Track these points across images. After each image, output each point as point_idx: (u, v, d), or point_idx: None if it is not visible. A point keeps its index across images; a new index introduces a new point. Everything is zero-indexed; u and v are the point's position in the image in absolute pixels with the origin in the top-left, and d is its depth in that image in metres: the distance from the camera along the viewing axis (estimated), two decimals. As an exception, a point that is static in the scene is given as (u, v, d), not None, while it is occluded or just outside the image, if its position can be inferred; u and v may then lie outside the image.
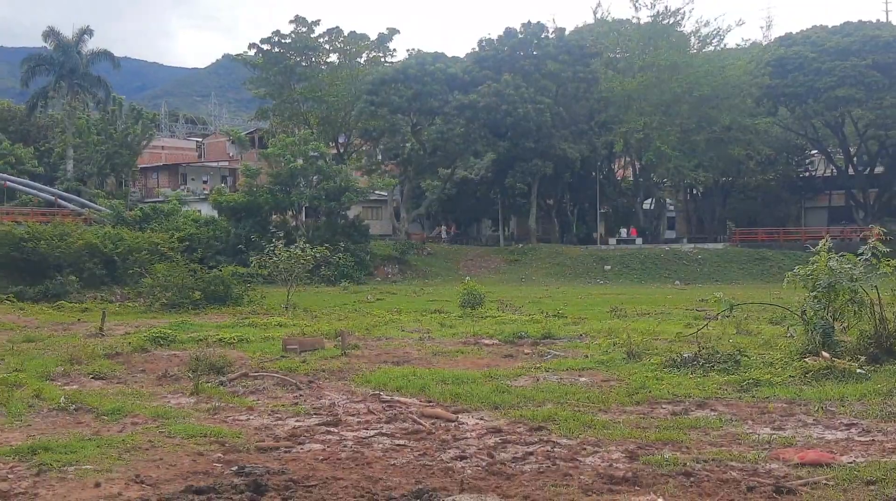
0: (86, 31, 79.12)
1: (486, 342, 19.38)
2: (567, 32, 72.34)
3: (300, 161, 56.28)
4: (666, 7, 69.51)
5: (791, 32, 77.07)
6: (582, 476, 8.10)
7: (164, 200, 64.99)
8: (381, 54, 77.81)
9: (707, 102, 66.31)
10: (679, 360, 14.49)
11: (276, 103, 77.37)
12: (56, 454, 8.90)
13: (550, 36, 70.74)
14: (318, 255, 32.75)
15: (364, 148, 77.79)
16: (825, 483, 7.68)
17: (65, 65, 77.55)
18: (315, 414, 11.40)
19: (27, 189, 65.61)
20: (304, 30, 74.50)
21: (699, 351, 14.64)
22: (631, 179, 79.00)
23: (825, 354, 13.68)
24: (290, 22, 74.68)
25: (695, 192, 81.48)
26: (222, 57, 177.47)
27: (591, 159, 71.53)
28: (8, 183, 64.91)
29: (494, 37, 72.14)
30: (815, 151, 79.19)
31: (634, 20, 71.92)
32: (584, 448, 9.30)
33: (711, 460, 8.63)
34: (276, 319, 24.87)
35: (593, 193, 73.18)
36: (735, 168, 71.45)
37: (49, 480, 8.08)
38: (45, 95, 79.72)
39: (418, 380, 13.52)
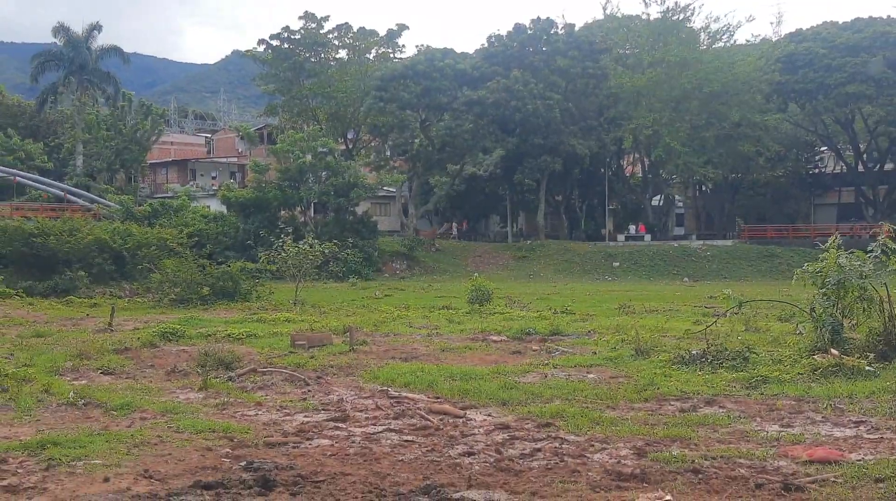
0: (95, 27, 79.16)
1: (494, 338, 19.38)
2: (577, 28, 72.23)
3: (309, 157, 56.28)
4: (676, 3, 69.21)
5: (801, 28, 76.85)
6: (590, 473, 8.10)
7: (173, 195, 65.09)
8: (389, 50, 77.80)
9: (717, 98, 66.15)
10: (687, 357, 14.48)
11: (285, 99, 77.40)
12: (65, 448, 8.93)
13: (560, 32, 70.62)
14: (326, 251, 32.83)
15: (373, 144, 77.81)
16: (834, 481, 7.67)
17: (74, 61, 77.62)
18: (323, 410, 11.42)
19: (37, 185, 65.75)
20: (313, 26, 74.53)
21: (708, 348, 14.62)
22: (640, 175, 78.81)
23: (834, 351, 13.65)
24: (300, 18, 74.84)
25: (704, 188, 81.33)
26: (232, 53, 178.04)
27: (600, 156, 71.39)
28: (18, 179, 65.04)
29: (503, 33, 72.04)
30: (825, 148, 78.93)
31: (644, 16, 71.86)
32: (592, 445, 9.29)
33: (720, 457, 8.62)
34: (285, 314, 24.92)
35: (602, 189, 73.09)
36: (744, 165, 71.20)
37: (58, 474, 8.10)
38: (54, 91, 79.79)
39: (426, 376, 13.53)
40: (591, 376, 13.89)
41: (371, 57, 77.16)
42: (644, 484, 7.72)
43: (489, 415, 10.98)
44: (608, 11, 75.82)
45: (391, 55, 77.35)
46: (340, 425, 10.48)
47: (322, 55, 76.14)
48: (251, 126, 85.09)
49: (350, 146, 76.55)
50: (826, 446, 9.08)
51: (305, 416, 11.02)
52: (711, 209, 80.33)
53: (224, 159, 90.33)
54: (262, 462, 8.47)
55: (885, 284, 14.59)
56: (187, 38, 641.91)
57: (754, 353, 14.69)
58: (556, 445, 9.30)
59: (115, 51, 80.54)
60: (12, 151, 73.84)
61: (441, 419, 10.66)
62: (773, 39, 73.77)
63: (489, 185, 69.59)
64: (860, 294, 14.59)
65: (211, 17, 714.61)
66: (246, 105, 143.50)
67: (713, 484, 7.66)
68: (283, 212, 57.05)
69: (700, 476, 7.93)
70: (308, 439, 9.74)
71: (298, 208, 58.63)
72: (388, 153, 73.66)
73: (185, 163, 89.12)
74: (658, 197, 78.24)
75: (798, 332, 16.40)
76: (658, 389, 12.40)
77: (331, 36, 75.90)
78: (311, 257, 32.27)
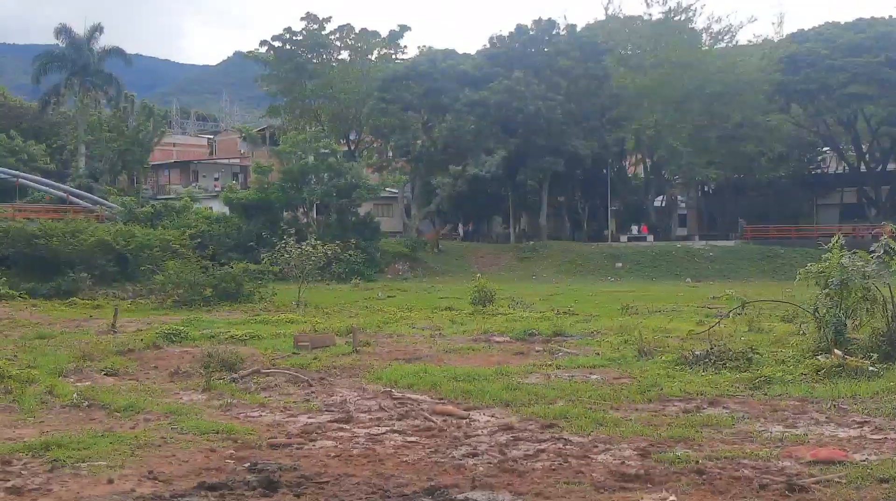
0: (97, 29, 79.10)
1: (498, 339, 19.39)
2: (578, 29, 72.17)
3: (311, 158, 56.24)
4: (678, 3, 69.15)
5: (803, 29, 76.98)
6: (594, 474, 8.11)
7: (175, 197, 65.02)
8: (392, 51, 77.74)
9: (719, 98, 66.14)
10: (691, 358, 14.49)
11: (288, 101, 77.40)
12: (69, 450, 8.95)
13: (562, 32, 70.59)
14: (328, 252, 32.80)
15: (375, 145, 77.79)
16: (838, 481, 7.68)
17: (77, 62, 77.60)
18: (327, 411, 11.44)
19: (39, 186, 65.69)
20: (315, 27, 74.53)
21: (711, 349, 14.63)
22: (642, 176, 78.82)
23: (837, 351, 13.66)
24: (302, 19, 74.71)
25: (706, 189, 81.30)
26: (234, 54, 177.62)
27: (603, 156, 71.28)
28: (20, 180, 64.98)
29: (506, 33, 71.98)
30: (827, 148, 78.98)
31: (646, 16, 71.78)
32: (596, 446, 9.31)
33: (723, 457, 8.63)
34: (288, 316, 24.93)
35: (604, 190, 73.02)
36: (747, 165, 71.18)
37: (62, 476, 8.12)
38: (57, 93, 79.72)
39: (429, 377, 13.55)
40: (594, 377, 13.91)
41: (373, 58, 77.11)
42: (648, 485, 7.74)
43: (493, 416, 11.00)
44: (610, 12, 75.86)
45: (393, 56, 77.32)
46: (344, 426, 10.49)
47: (324, 56, 76.12)
48: (253, 127, 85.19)
49: (352, 147, 76.53)
50: (830, 446, 9.09)
51: (309, 417, 11.04)
52: (714, 210, 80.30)
53: (226, 161, 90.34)
54: (265, 463, 8.49)
55: (888, 284, 14.62)
56: (189, 39, 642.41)
57: (757, 354, 14.71)
58: (560, 446, 9.32)
59: (118, 52, 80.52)
60: (15, 153, 73.84)
61: (444, 421, 10.68)
62: (775, 40, 73.65)
63: (491, 186, 69.49)
64: (863, 294, 14.61)
65: (213, 18, 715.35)
66: (248, 106, 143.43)
67: (717, 485, 7.67)
68: (285, 213, 57.01)
69: (704, 476, 7.94)
70: (312, 440, 9.75)
71: (301, 209, 58.61)
72: (391, 154, 73.64)
73: (188, 164, 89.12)
74: (660, 198, 78.26)
75: (801, 332, 16.40)
76: (661, 390, 12.41)
77: (333, 37, 75.86)
78: (313, 259, 32.26)
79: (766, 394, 12.00)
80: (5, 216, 45.00)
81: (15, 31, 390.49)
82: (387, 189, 70.41)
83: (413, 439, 9.78)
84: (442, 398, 12.18)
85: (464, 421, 10.67)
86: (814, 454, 8.68)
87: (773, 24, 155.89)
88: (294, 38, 74.33)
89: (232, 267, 32.49)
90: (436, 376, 13.65)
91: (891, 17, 77.22)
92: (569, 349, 17.54)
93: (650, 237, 70.62)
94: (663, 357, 15.10)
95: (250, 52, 79.31)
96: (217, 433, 9.94)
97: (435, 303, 31.11)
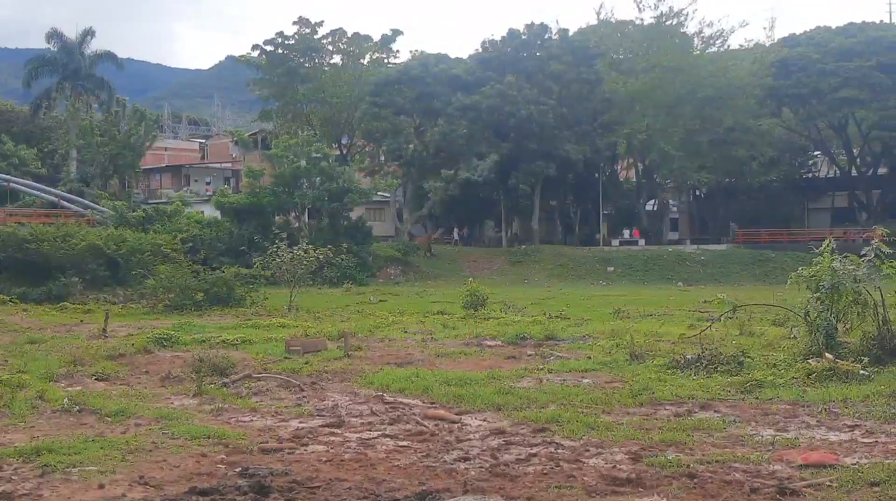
0: (89, 33, 79.14)
1: (489, 343, 19.39)
2: (570, 33, 72.21)
3: (303, 162, 56.26)
4: (670, 8, 69.42)
5: (794, 33, 77.14)
6: (585, 478, 8.12)
7: (167, 201, 65.02)
8: (384, 55, 77.85)
9: (710, 103, 66.29)
10: (682, 361, 14.51)
11: (280, 105, 77.41)
12: (59, 455, 8.93)
13: (554, 37, 70.67)
14: (320, 256, 32.80)
15: (367, 149, 77.75)
16: (829, 485, 7.69)
17: (68, 66, 77.57)
18: (318, 416, 11.43)
19: (30, 191, 65.59)
20: (307, 31, 74.60)
21: (702, 353, 14.64)
22: (634, 180, 78.94)
23: (828, 355, 13.69)
24: (294, 23, 74.88)
25: (698, 193, 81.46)
26: (225, 59, 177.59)
27: (594, 161, 71.35)
28: (11, 184, 64.89)
29: (498, 38, 72.09)
30: (819, 153, 79.14)
31: (638, 21, 71.94)
32: (588, 450, 9.31)
33: (715, 461, 8.64)
34: (279, 320, 24.93)
35: (596, 194, 73.09)
36: (738, 169, 71.31)
37: (53, 481, 8.10)
38: (48, 97, 79.67)
39: (421, 381, 13.54)
40: (586, 381, 13.91)
41: (365, 62, 77.20)
42: (639, 489, 7.74)
43: (484, 420, 10.99)
44: (602, 16, 76.01)
45: (385, 60, 77.41)
46: (336, 431, 10.48)
47: (316, 60, 76.21)
48: (245, 132, 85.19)
49: (344, 151, 76.56)
50: (821, 450, 9.10)
51: (300, 422, 11.02)
52: (705, 214, 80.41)
53: (218, 165, 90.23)
54: (257, 468, 8.48)
55: (878, 288, 14.66)
56: (181, 43, 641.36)
57: (749, 357, 14.72)
58: (552, 450, 9.32)
59: (109, 56, 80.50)
60: (6, 157, 73.75)
61: (436, 425, 10.67)
62: (767, 44, 73.86)
63: (483, 190, 69.49)
64: (854, 298, 14.65)
65: (205, 22, 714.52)
66: (240, 110, 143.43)
67: (708, 489, 7.68)
68: (277, 217, 56.94)
69: (695, 480, 7.95)
70: (303, 445, 9.74)
71: (293, 214, 58.56)
72: (383, 158, 73.58)
73: (179, 168, 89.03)
74: (652, 202, 78.36)
75: (792, 336, 16.43)
76: (653, 394, 12.42)
77: (325, 41, 75.97)
78: (305, 263, 32.25)
79: (757, 398, 12.01)
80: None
81: (7, 36, 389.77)
82: (379, 193, 70.41)
83: (405, 443, 9.77)
84: (434, 403, 12.17)
85: (455, 426, 10.67)
86: (805, 457, 8.69)
87: (764, 28, 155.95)
88: (286, 42, 74.43)
89: (223, 272, 32.45)
90: (427, 380, 13.64)
91: (882, 21, 77.73)
92: (560, 353, 17.54)
93: (642, 241, 70.70)
94: (655, 361, 15.10)
95: (242, 56, 79.35)
96: (208, 438, 9.92)
97: (427, 307, 31.11)
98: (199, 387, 13.13)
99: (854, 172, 75.16)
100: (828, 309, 14.75)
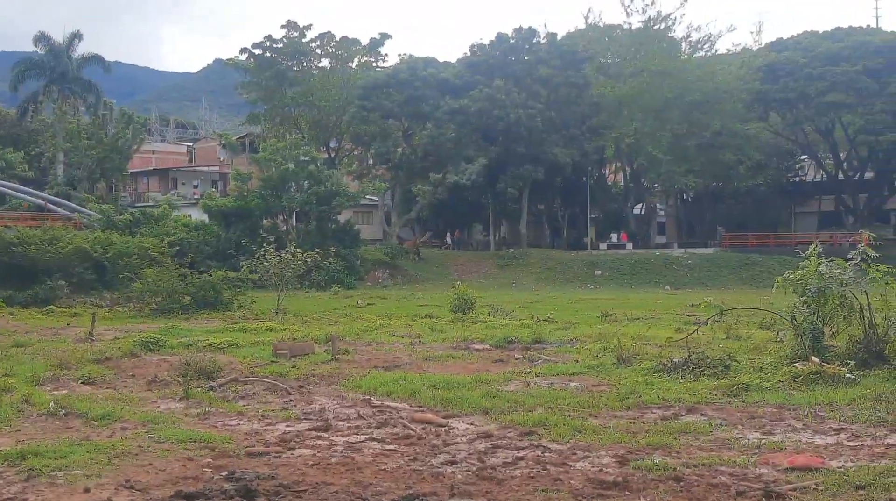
0: (76, 36, 78.85)
1: (477, 346, 19.38)
2: (559, 38, 72.34)
3: (291, 166, 56.18)
4: (657, 12, 69.65)
5: (782, 38, 77.43)
6: (572, 481, 8.12)
7: (154, 204, 64.78)
8: (372, 59, 77.80)
9: (698, 107, 66.52)
10: (669, 365, 14.53)
11: (268, 108, 77.26)
12: (45, 459, 8.89)
13: (542, 41, 70.79)
14: (308, 260, 32.74)
15: (355, 153, 77.74)
16: (815, 488, 7.72)
17: (55, 69, 77.33)
18: (305, 419, 11.41)
19: (17, 194, 65.31)
20: (295, 35, 74.53)
21: (689, 356, 14.67)
22: (622, 184, 79.14)
23: (815, 359, 13.73)
24: (282, 27, 74.79)
25: (685, 197, 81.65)
26: (214, 62, 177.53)
27: (582, 164, 71.52)
28: (-3, 188, 64.75)
29: (486, 42, 72.17)
30: (806, 157, 79.44)
31: (626, 25, 72.19)
32: (575, 453, 9.32)
33: (701, 464, 8.66)
34: (267, 324, 24.87)
35: (584, 198, 73.25)
36: (725, 173, 71.54)
37: (38, 485, 8.07)
38: (35, 100, 79.40)
39: (409, 385, 13.53)
40: (573, 384, 13.92)
41: (354, 66, 77.16)
42: (626, 492, 7.75)
43: (472, 424, 10.99)
44: (590, 21, 76.14)
45: (374, 64, 77.35)
46: (322, 434, 10.47)
47: (304, 64, 76.14)
48: (233, 135, 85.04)
49: (332, 155, 76.49)
50: (807, 453, 9.13)
51: (287, 426, 11.00)
52: (693, 218, 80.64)
53: (206, 168, 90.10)
54: (243, 471, 8.46)
55: (865, 292, 14.70)
56: (169, 46, 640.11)
57: (735, 361, 14.76)
58: (539, 453, 9.32)
59: (97, 59, 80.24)
60: (-8, 161, 73.41)
61: (423, 428, 10.67)
62: (754, 49, 74.12)
63: (472, 194, 69.57)
64: (840, 302, 14.69)
65: (193, 25, 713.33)
66: (227, 114, 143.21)
67: (695, 492, 7.69)
68: (265, 221, 56.82)
69: (682, 483, 7.96)
70: (290, 448, 9.72)
71: (280, 217, 58.47)
72: (371, 162, 73.62)
73: (167, 172, 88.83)
74: (640, 206, 78.55)
75: (779, 340, 16.46)
76: (640, 397, 12.43)
77: (313, 45, 75.91)
78: (293, 266, 32.19)
79: (743, 401, 12.04)
80: (-18, 224, 44.75)
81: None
82: (367, 197, 70.38)
83: (392, 447, 9.76)
84: (421, 406, 12.16)
85: (443, 429, 10.66)
86: (791, 460, 8.72)
87: (751, 33, 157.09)
88: (274, 45, 74.35)
89: (211, 275, 32.37)
90: (415, 384, 13.63)
91: (868, 26, 78.06)
92: (548, 356, 17.54)
93: (629, 245, 70.88)
94: (642, 365, 15.12)
95: (230, 59, 79.15)
96: (194, 441, 9.89)
97: (415, 311, 31.08)
98: (185, 391, 13.09)
99: (841, 177, 75.45)
100: (814, 313, 14.79)
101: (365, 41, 77.32)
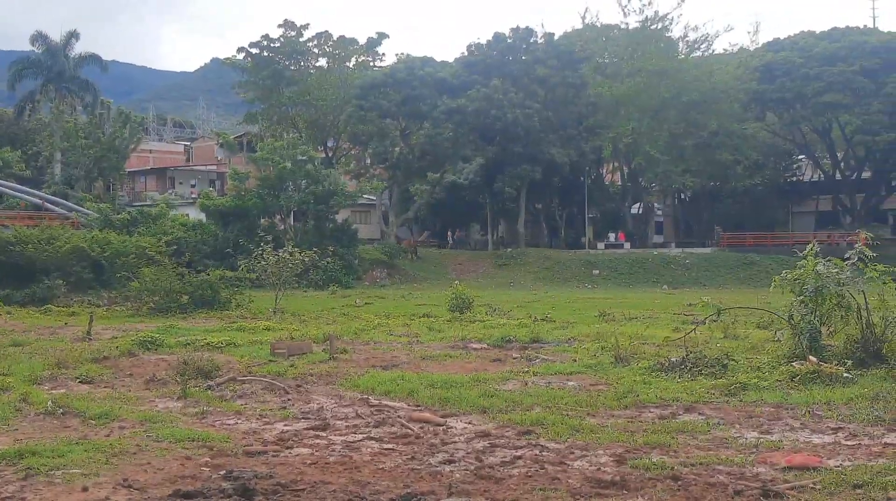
0: (73, 35, 78.90)
1: (475, 346, 19.37)
2: (556, 37, 72.49)
3: (288, 165, 56.15)
4: (655, 12, 69.60)
5: (779, 38, 77.47)
6: (570, 480, 8.11)
7: (151, 204, 64.78)
8: (370, 59, 77.78)
9: (695, 107, 66.55)
10: (667, 364, 14.52)
11: (265, 107, 77.25)
12: (43, 458, 8.87)
13: (539, 41, 70.88)
14: (306, 259, 32.72)
15: (353, 152, 77.76)
16: (812, 487, 7.71)
17: (52, 68, 77.33)
18: (303, 418, 11.39)
19: (14, 193, 65.30)
20: (293, 34, 74.50)
21: (687, 355, 14.66)
22: (619, 183, 79.17)
23: (812, 358, 13.73)
24: (279, 26, 74.76)
25: (682, 197, 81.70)
26: (211, 61, 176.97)
27: (580, 164, 71.62)
28: (-6, 187, 64.74)
29: (483, 42, 72.27)
30: (803, 156, 79.52)
31: (623, 25, 72.18)
32: (573, 452, 9.31)
33: (699, 464, 8.65)
34: (265, 323, 24.85)
35: (582, 197, 73.30)
36: (723, 173, 71.62)
37: (36, 484, 8.05)
38: (32, 99, 79.42)
39: (407, 384, 13.51)
40: (571, 383, 13.91)
41: (351, 65, 77.13)
42: (624, 491, 7.75)
43: (469, 423, 10.98)
44: (587, 21, 76.10)
45: (371, 63, 77.33)
46: (320, 433, 10.45)
47: (302, 63, 76.10)
48: (230, 134, 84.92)
49: (330, 154, 76.47)
50: (804, 452, 9.13)
51: (285, 425, 10.99)
52: (690, 217, 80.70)
53: (203, 167, 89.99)
54: (241, 470, 8.44)
55: (862, 291, 14.69)
56: (167, 46, 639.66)
57: (733, 360, 14.76)
58: (537, 452, 9.31)
59: (94, 59, 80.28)
60: (-11, 160, 73.37)
61: (421, 428, 10.65)
62: (751, 49, 74.11)
63: (469, 193, 69.66)
64: (838, 301, 14.69)
65: (190, 24, 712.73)
66: (225, 113, 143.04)
67: (692, 491, 7.68)
68: (262, 220, 56.81)
69: (679, 482, 7.95)
70: (288, 447, 9.71)
71: (278, 216, 58.46)
72: (368, 161, 73.65)
73: (164, 171, 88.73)
74: (637, 205, 78.60)
75: (776, 339, 16.47)
76: (638, 396, 12.42)
77: (310, 44, 75.88)
78: (290, 266, 32.16)
79: (741, 400, 12.03)
80: (-20, 223, 44.71)
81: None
82: (364, 196, 70.36)
83: (390, 446, 9.75)
84: (419, 405, 12.15)
85: (441, 428, 10.65)
86: (788, 460, 8.71)
87: (748, 33, 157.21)
88: (272, 45, 74.32)
89: (208, 274, 32.32)
90: (413, 383, 13.61)
91: (865, 26, 78.01)
92: (546, 355, 17.54)
93: (627, 245, 70.97)
94: (639, 364, 15.11)
95: (228, 58, 79.14)
96: (192, 440, 9.88)
97: (412, 310, 31.08)
98: (183, 390, 13.07)
99: (838, 176, 75.53)
100: (811, 312, 14.79)
101: (362, 41, 77.40)
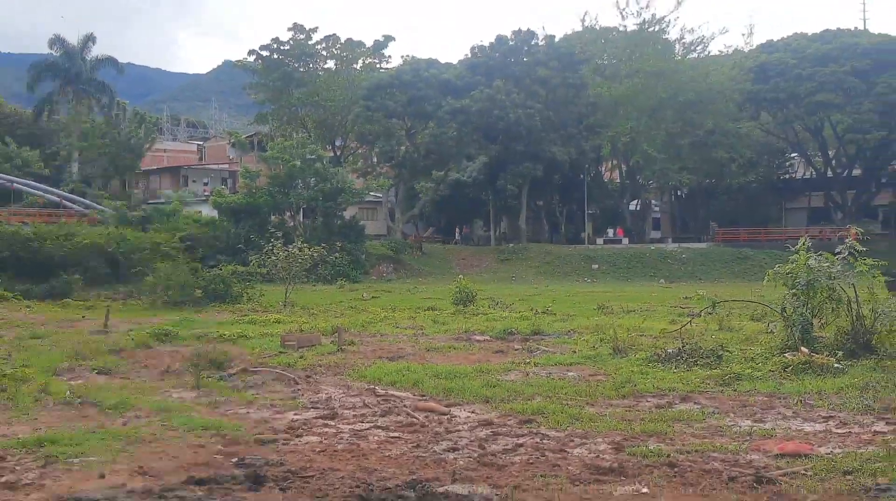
0: (90, 38, 78.92)
1: (478, 338, 19.39)
2: (556, 40, 72.33)
3: (298, 163, 56.14)
4: (652, 15, 69.45)
5: (772, 40, 77.22)
6: (570, 467, 8.12)
7: (165, 201, 64.77)
8: (376, 61, 77.75)
9: (691, 106, 66.41)
10: (663, 355, 14.53)
11: (275, 108, 77.22)
12: (62, 446, 8.90)
13: (541, 43, 70.78)
14: (315, 254, 32.79)
15: (360, 151, 77.66)
16: (804, 473, 7.72)
17: (70, 71, 77.38)
18: (312, 408, 11.41)
19: (33, 191, 65.39)
20: (302, 37, 74.47)
21: (683, 347, 14.68)
22: (618, 181, 79.03)
23: (804, 349, 13.73)
24: (289, 29, 74.71)
25: (679, 193, 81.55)
26: (223, 63, 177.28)
27: (580, 162, 71.52)
28: (15, 185, 64.72)
29: (486, 44, 72.13)
30: (795, 154, 79.35)
31: (621, 28, 71.98)
32: (572, 440, 9.32)
33: (694, 451, 8.66)
34: (275, 316, 24.89)
35: (581, 194, 73.20)
36: (718, 171, 71.51)
37: (55, 471, 8.08)
38: (51, 100, 79.45)
39: (412, 375, 13.53)
40: (570, 374, 13.92)
41: (358, 67, 77.09)
42: (622, 478, 7.75)
43: (473, 412, 10.99)
44: (587, 23, 75.94)
45: (377, 65, 77.30)
46: (329, 422, 10.47)
47: (311, 65, 76.05)
48: (242, 134, 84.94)
49: (338, 153, 76.44)
50: (796, 440, 9.13)
51: (295, 414, 11.00)
52: (686, 213, 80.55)
53: (215, 166, 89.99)
54: (253, 458, 8.47)
55: (852, 284, 14.71)
56: (181, 48, 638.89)
57: (727, 351, 14.77)
58: (538, 440, 9.32)
59: (110, 61, 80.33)
60: (10, 159, 73.32)
61: (426, 416, 10.67)
62: (745, 50, 73.90)
63: (473, 190, 69.62)
64: (829, 295, 14.70)
65: (204, 28, 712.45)
66: (237, 114, 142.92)
67: (688, 477, 7.69)
68: (273, 217, 56.76)
69: (675, 469, 7.96)
70: (297, 436, 9.73)
71: (288, 213, 58.41)
72: (375, 160, 73.58)
73: (178, 170, 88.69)
74: (635, 202, 78.49)
75: (769, 331, 16.47)
76: (635, 386, 12.43)
77: (319, 47, 75.84)
78: (300, 261, 32.24)
79: (735, 390, 12.04)
80: (0, 220, 44.76)
81: (10, 41, 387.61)
82: (371, 194, 70.40)
83: (396, 434, 9.76)
84: (424, 395, 12.16)
85: (445, 417, 10.66)
86: (781, 447, 8.72)
87: (743, 35, 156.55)
88: (281, 47, 74.29)
89: (221, 269, 32.41)
90: (418, 373, 13.63)
91: (856, 28, 77.88)
92: (546, 347, 17.55)
93: (625, 240, 70.88)
94: (637, 355, 15.13)
95: (239, 61, 79.15)
96: (206, 429, 9.90)
97: (418, 303, 31.09)
98: (197, 381, 13.10)
99: (829, 174, 75.34)
100: (803, 305, 14.80)
101: (369, 43, 77.29)
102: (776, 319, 15.77)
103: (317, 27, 75.52)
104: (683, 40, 71.34)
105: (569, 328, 21.39)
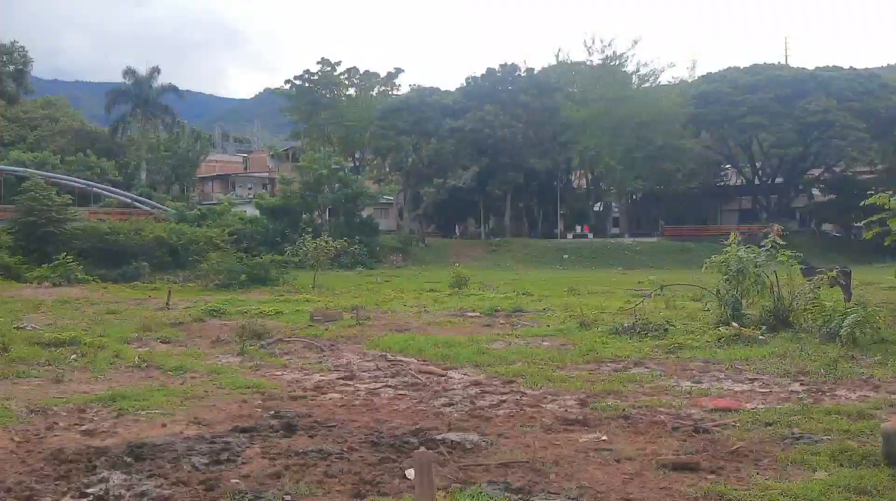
0: (156, 70, 78.62)
1: (470, 314, 19.41)
2: (535, 72, 72.05)
3: (325, 172, 56.06)
4: (613, 52, 69.35)
5: (711, 72, 76.89)
6: (544, 419, 8.15)
7: (217, 202, 64.70)
8: (388, 88, 77.71)
9: (645, 126, 66.22)
10: (620, 328, 14.55)
11: (306, 127, 77.12)
12: (131, 401, 8.93)
13: (522, 74, 70.56)
14: (338, 246, 32.83)
15: (375, 162, 77.52)
16: (733, 425, 7.74)
17: (139, 96, 77.16)
18: (335, 371, 11.44)
19: (109, 194, 65.33)
20: (328, 69, 74.36)
21: (636, 322, 14.69)
22: (584, 186, 78.95)
23: (734, 324, 13.76)
24: (318, 62, 74.60)
25: (634, 197, 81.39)
26: (264, 90, 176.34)
27: (554, 171, 71.40)
28: (95, 189, 64.80)
29: (478, 74, 71.93)
30: (729, 166, 79.29)
31: (588, 62, 71.82)
32: (546, 397, 9.34)
33: (645, 406, 8.68)
34: (305, 296, 24.91)
35: (555, 197, 73.08)
36: (666, 179, 71.37)
37: (126, 421, 8.11)
38: (124, 121, 79.20)
39: (416, 344, 13.55)
40: (545, 343, 13.94)
41: (374, 93, 77.02)
42: (586, 428, 7.78)
43: (465, 374, 11.01)
44: (560, 58, 75.70)
45: (390, 92, 77.24)
46: (348, 382, 10.49)
47: (335, 92, 75.96)
48: (279, 148, 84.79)
49: (357, 164, 76.25)
50: (727, 397, 9.16)
51: (321, 375, 11.03)
52: (640, 213, 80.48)
53: (257, 174, 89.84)
54: (286, 411, 8.49)
55: (774, 271, 14.74)
56: (229, 78, 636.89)
57: (672, 325, 14.79)
58: (518, 397, 9.34)
59: (172, 88, 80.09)
60: (90, 168, 73.12)
61: (427, 378, 10.69)
62: (689, 81, 73.85)
63: (466, 194, 69.38)
64: (755, 279, 14.73)
65: (248, 61, 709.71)
66: (275, 132, 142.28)
67: (639, 428, 7.71)
68: (304, 215, 56.56)
69: (629, 421, 7.99)
70: (323, 393, 9.75)
71: (316, 212, 58.26)
72: (387, 169, 73.44)
73: (227, 177, 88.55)
74: (599, 204, 78.45)
75: (706, 309, 16.49)
76: (597, 354, 12.45)
77: (342, 77, 75.77)
78: (325, 251, 32.31)
79: (678, 357, 12.06)
80: (83, 218, 44.74)
81: (91, 71, 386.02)
82: (384, 197, 70.18)
83: (402, 392, 9.78)
84: (426, 360, 12.18)
85: (442, 378, 10.69)
86: (715, 403, 8.75)
87: (687, 68, 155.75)
88: (311, 77, 74.18)
89: (261, 258, 32.41)
90: (421, 343, 13.65)
91: (779, 62, 77.83)
92: (526, 322, 17.58)
93: (591, 235, 70.74)
94: (599, 328, 15.14)
95: (277, 88, 79.10)
96: (248, 387, 9.92)
97: (421, 286, 31.05)
98: (241, 348, 13.13)
99: (757, 181, 75.32)
100: (734, 288, 14.83)
101: (383, 75, 77.26)
102: (712, 299, 15.79)
103: (340, 61, 75.28)
104: (639, 72, 71.21)
105: (544, 306, 21.39)
